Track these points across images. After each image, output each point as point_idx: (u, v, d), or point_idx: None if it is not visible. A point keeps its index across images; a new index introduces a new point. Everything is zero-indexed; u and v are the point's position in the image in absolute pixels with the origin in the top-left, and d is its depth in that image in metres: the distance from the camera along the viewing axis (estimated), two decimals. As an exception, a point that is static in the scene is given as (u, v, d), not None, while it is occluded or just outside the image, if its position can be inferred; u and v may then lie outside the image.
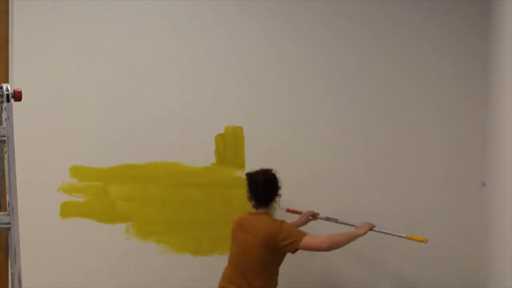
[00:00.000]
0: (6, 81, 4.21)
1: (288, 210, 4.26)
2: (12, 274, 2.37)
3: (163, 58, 4.41)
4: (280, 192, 3.88)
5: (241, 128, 4.44)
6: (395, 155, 4.47)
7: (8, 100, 2.50)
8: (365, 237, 4.40)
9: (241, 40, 4.45)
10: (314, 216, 4.20)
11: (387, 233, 3.85)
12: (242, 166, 4.41)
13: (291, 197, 4.40)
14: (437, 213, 4.46)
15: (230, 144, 4.43)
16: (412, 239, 3.73)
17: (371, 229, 3.83)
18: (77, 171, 4.35)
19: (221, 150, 4.43)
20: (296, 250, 3.71)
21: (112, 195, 4.37)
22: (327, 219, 4.14)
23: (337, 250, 4.32)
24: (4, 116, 2.50)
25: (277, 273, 3.82)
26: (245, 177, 3.95)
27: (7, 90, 2.51)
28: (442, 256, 4.45)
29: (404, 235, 3.77)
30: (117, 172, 4.38)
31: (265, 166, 4.36)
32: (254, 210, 3.85)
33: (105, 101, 4.38)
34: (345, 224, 4.01)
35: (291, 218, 4.16)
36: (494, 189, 4.09)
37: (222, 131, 4.43)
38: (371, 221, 4.42)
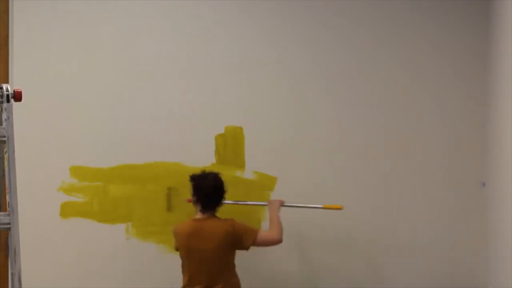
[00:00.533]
0: (6, 81, 4.21)
1: (188, 200, 4.08)
2: (12, 274, 2.37)
3: (163, 58, 4.41)
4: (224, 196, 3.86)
5: (241, 128, 4.44)
6: (395, 155, 4.47)
7: (8, 100, 2.50)
8: (362, 235, 4.43)
9: (241, 40, 4.45)
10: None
11: (300, 206, 4.00)
12: (242, 166, 4.41)
13: (291, 197, 4.39)
14: (437, 213, 4.46)
15: (230, 144, 4.43)
16: (328, 208, 3.91)
17: (282, 205, 3.99)
18: (77, 171, 4.35)
19: (221, 150, 4.42)
20: (251, 245, 3.78)
21: (112, 195, 4.37)
22: (235, 202, 4.13)
23: (331, 250, 4.35)
24: (4, 116, 2.50)
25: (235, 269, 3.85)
26: (189, 179, 3.88)
27: (7, 90, 2.51)
28: (442, 256, 4.44)
29: (320, 206, 3.95)
30: (117, 172, 4.38)
31: (266, 166, 4.40)
32: (200, 215, 3.80)
33: (105, 101, 4.38)
34: (253, 204, 4.17)
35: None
36: (494, 189, 4.09)
37: (222, 131, 4.43)
38: (372, 221, 4.45)
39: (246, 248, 3.78)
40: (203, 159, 4.38)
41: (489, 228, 4.22)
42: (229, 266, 3.78)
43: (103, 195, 4.37)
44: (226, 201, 3.98)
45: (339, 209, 3.90)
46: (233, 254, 3.80)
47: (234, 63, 4.45)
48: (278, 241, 3.83)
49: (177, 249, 3.88)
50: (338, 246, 4.46)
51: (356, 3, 4.46)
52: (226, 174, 4.18)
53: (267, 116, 4.45)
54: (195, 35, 4.44)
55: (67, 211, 4.34)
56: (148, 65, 4.40)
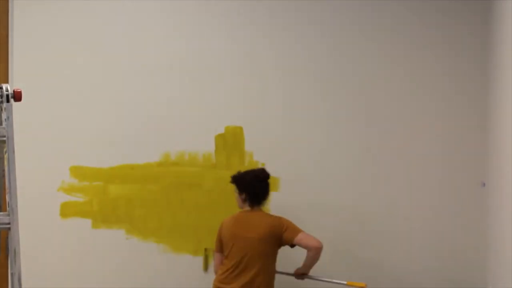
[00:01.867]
0: (6, 81, 4.21)
1: None
2: (12, 274, 2.37)
3: (163, 58, 4.42)
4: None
5: (241, 128, 4.44)
6: (395, 155, 4.47)
7: (8, 100, 2.50)
8: (362, 235, 4.43)
9: (241, 41, 4.45)
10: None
11: (326, 281, 4.06)
12: (242, 166, 4.41)
13: (291, 197, 4.40)
14: (437, 213, 4.45)
15: (230, 144, 4.43)
16: (352, 285, 3.94)
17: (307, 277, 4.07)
18: (77, 171, 4.35)
19: (221, 150, 4.42)
20: (294, 243, 3.87)
21: (112, 195, 4.37)
22: (316, 278, 4.13)
23: (330, 250, 4.35)
24: (4, 116, 2.50)
25: (275, 266, 3.94)
26: (231, 180, 3.98)
27: (7, 90, 2.51)
28: (442, 256, 4.44)
29: (344, 282, 3.98)
30: (117, 172, 4.38)
31: (266, 166, 4.39)
32: (248, 208, 3.95)
33: (105, 101, 4.39)
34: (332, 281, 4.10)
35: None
36: (494, 189, 4.08)
37: (222, 131, 4.43)
38: (371, 221, 4.45)
39: (289, 243, 3.88)
40: (203, 159, 4.38)
41: (489, 228, 4.22)
42: (269, 257, 3.87)
43: (103, 195, 4.37)
44: (309, 276, 4.07)
45: (363, 287, 3.92)
46: (275, 248, 3.90)
47: (234, 63, 4.45)
48: (320, 247, 3.88)
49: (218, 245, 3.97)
50: (337, 245, 4.46)
51: (355, 4, 4.46)
52: (226, 175, 4.19)
53: (267, 116, 4.45)
54: (195, 35, 4.44)
55: (67, 211, 4.35)
56: (148, 65, 4.41)
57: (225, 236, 3.92)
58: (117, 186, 4.37)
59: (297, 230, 3.89)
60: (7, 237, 2.41)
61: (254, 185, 3.94)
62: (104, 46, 4.39)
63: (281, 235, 3.86)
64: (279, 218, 3.91)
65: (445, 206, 4.45)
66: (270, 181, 4.03)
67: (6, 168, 2.45)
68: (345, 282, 3.97)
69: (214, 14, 4.44)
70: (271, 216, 3.96)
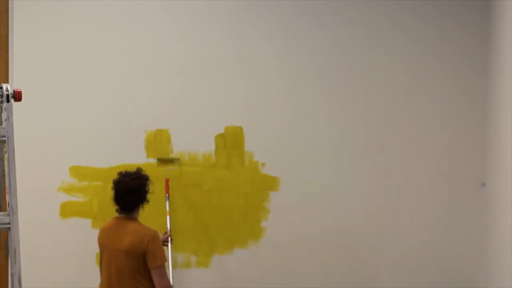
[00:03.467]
0: (6, 81, 4.21)
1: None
2: (12, 274, 2.37)
3: (163, 58, 4.41)
4: (148, 197, 3.52)
5: (241, 128, 4.44)
6: (395, 155, 4.47)
7: (8, 100, 2.50)
8: (362, 235, 4.43)
9: (241, 41, 4.45)
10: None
11: None
12: (242, 166, 4.41)
13: (291, 197, 4.40)
14: (437, 213, 4.46)
15: (230, 144, 4.43)
16: None
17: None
18: (77, 171, 4.35)
19: (221, 150, 4.42)
20: (152, 269, 3.33)
21: (112, 195, 4.36)
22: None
23: (330, 250, 4.35)
24: (4, 116, 2.50)
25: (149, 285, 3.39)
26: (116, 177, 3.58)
27: (7, 90, 2.51)
28: (442, 256, 4.45)
29: None
30: (117, 172, 4.37)
31: (266, 166, 4.40)
32: (117, 215, 3.53)
33: (105, 101, 4.38)
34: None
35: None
36: (494, 189, 4.09)
37: (222, 131, 4.43)
38: (371, 220, 4.45)
39: (147, 267, 3.34)
40: (203, 158, 4.38)
41: (489, 228, 4.22)
42: (131, 277, 3.35)
43: (103, 195, 4.37)
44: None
45: None
46: (142, 266, 3.36)
47: (234, 64, 4.45)
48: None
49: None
50: (336, 245, 4.46)
51: (354, 5, 4.46)
52: (226, 174, 4.19)
53: (267, 116, 4.45)
54: (195, 36, 4.44)
55: (67, 211, 4.35)
56: (148, 65, 4.41)
57: (99, 244, 3.52)
58: (117, 186, 4.37)
59: (162, 260, 3.35)
60: (7, 237, 2.41)
61: (120, 193, 3.46)
62: (104, 46, 4.39)
63: (144, 255, 3.32)
64: (153, 237, 3.36)
65: (445, 206, 4.45)
66: (147, 189, 3.52)
67: (6, 168, 2.45)
68: None
69: (214, 15, 4.44)
70: (145, 230, 3.40)
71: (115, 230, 3.45)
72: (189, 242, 4.40)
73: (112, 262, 3.38)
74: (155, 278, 3.33)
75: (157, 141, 4.41)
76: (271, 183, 4.40)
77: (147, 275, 3.36)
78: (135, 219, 3.49)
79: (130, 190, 3.47)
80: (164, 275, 3.38)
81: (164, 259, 3.38)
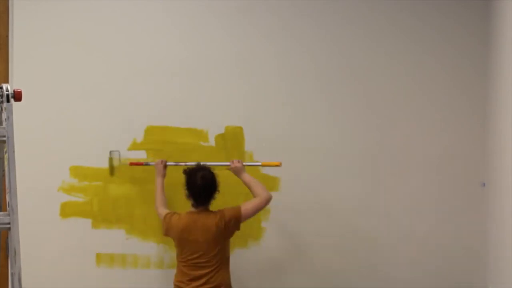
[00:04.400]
0: (6, 81, 4.21)
1: (131, 164, 4.28)
2: (12, 274, 2.37)
3: (163, 58, 4.41)
4: (218, 189, 3.91)
5: (241, 128, 4.44)
6: (395, 155, 4.47)
7: (8, 100, 2.50)
8: (361, 235, 4.43)
9: (241, 40, 4.45)
10: (163, 163, 4.21)
11: (253, 165, 4.19)
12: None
13: (291, 197, 4.40)
14: (437, 213, 4.46)
15: (230, 144, 4.43)
16: (267, 165, 4.11)
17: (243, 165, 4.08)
18: (77, 171, 4.35)
19: (221, 150, 4.42)
20: (240, 223, 3.85)
21: (112, 195, 4.37)
22: (176, 164, 4.20)
23: (330, 249, 4.35)
24: (4, 116, 2.50)
25: (229, 259, 3.93)
26: (183, 172, 3.95)
27: (7, 90, 2.51)
28: (442, 256, 4.45)
29: (259, 163, 4.16)
30: (117, 172, 4.38)
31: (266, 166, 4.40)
32: (193, 209, 3.90)
33: (105, 101, 4.38)
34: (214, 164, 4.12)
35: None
36: (494, 189, 4.08)
37: (222, 131, 4.43)
38: (371, 220, 4.45)
39: (237, 228, 3.87)
40: (203, 159, 4.37)
41: (488, 228, 4.22)
42: (223, 257, 3.85)
43: (103, 195, 4.37)
44: (168, 163, 4.18)
45: (278, 165, 4.09)
46: (226, 247, 3.88)
47: (234, 63, 4.45)
48: (267, 199, 3.92)
49: (165, 235, 3.97)
50: (337, 245, 4.46)
51: (354, 5, 4.46)
52: (226, 174, 4.18)
53: (267, 116, 4.45)
54: (195, 36, 4.44)
55: (67, 211, 4.34)
56: (148, 65, 4.41)
57: (174, 239, 3.93)
58: (117, 186, 4.37)
59: (237, 211, 3.86)
60: (7, 237, 2.42)
61: (196, 187, 3.87)
62: (104, 46, 4.39)
63: (230, 228, 3.85)
64: (221, 215, 3.84)
65: (445, 206, 4.45)
66: (218, 183, 3.92)
67: (6, 168, 2.45)
68: (260, 163, 4.15)
69: (214, 15, 4.44)
70: (215, 214, 3.86)
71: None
72: (189, 242, 4.40)
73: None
74: (250, 204, 3.89)
75: (157, 141, 4.42)
76: (271, 183, 4.40)
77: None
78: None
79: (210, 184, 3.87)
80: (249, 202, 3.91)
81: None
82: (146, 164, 4.28)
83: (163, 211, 4.02)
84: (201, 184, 3.84)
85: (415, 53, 4.48)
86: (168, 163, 4.21)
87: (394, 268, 4.46)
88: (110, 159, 4.35)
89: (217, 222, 3.79)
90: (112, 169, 4.36)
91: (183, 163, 4.18)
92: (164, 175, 4.18)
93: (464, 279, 4.41)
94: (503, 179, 3.75)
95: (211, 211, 3.89)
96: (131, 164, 4.29)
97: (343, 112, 4.48)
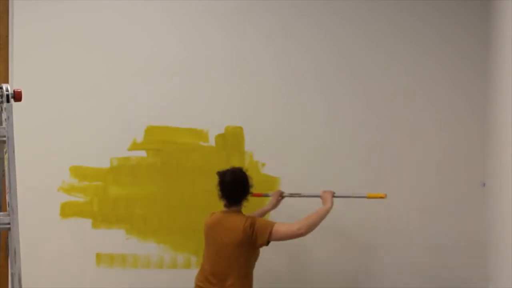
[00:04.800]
0: (6, 81, 4.21)
1: (253, 195, 4.13)
2: (12, 274, 2.36)
3: (163, 58, 4.42)
4: (251, 190, 3.79)
5: (241, 128, 4.44)
6: (395, 155, 4.47)
7: (8, 100, 2.50)
8: (362, 235, 4.43)
9: (241, 41, 4.45)
10: (281, 195, 4.15)
11: (348, 196, 3.94)
12: (242, 166, 4.41)
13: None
14: (437, 213, 4.46)
15: (230, 144, 4.43)
16: (373, 197, 3.86)
17: (333, 196, 3.85)
18: (77, 171, 4.35)
19: (221, 150, 4.42)
20: (269, 241, 3.64)
21: (112, 195, 4.37)
22: (291, 195, 4.13)
23: (330, 249, 4.34)
24: (4, 116, 2.50)
25: (252, 270, 3.74)
26: (217, 175, 3.83)
27: (7, 90, 2.51)
28: (442, 255, 4.45)
29: (364, 195, 3.89)
30: (117, 172, 4.38)
31: (266, 166, 4.40)
32: (226, 209, 3.77)
33: (105, 101, 4.38)
34: (309, 196, 4.04)
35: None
36: (494, 189, 4.08)
37: (222, 131, 4.43)
38: (371, 220, 4.45)
39: (264, 244, 3.65)
40: (203, 159, 4.38)
41: (489, 228, 4.22)
42: (239, 267, 3.66)
43: (103, 195, 4.37)
44: (284, 194, 4.09)
45: (382, 197, 3.82)
46: (250, 254, 3.69)
47: (234, 63, 4.45)
48: (302, 234, 3.65)
49: None
50: (337, 245, 4.46)
51: (354, 5, 4.46)
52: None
53: (267, 116, 4.45)
54: (195, 36, 4.44)
55: (67, 211, 4.35)
56: (148, 65, 4.41)
57: (205, 233, 3.81)
58: (117, 186, 4.37)
59: (268, 227, 3.62)
60: (7, 237, 2.41)
61: (227, 186, 3.75)
62: (104, 46, 4.39)
63: (255, 239, 3.63)
64: (252, 221, 3.64)
65: (445, 206, 4.45)
66: (251, 183, 3.82)
67: (6, 168, 2.45)
68: (365, 195, 3.88)
69: (214, 15, 4.44)
70: (245, 219, 3.66)
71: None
72: (189, 242, 4.40)
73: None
74: (284, 226, 3.66)
75: (157, 141, 4.42)
76: (271, 183, 4.40)
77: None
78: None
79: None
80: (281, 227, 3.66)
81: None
82: (266, 196, 4.16)
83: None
84: (230, 180, 3.73)
85: (415, 53, 4.48)
86: (284, 195, 4.12)
87: (394, 268, 4.46)
88: None
89: (245, 226, 3.61)
90: None
91: (297, 195, 4.10)
92: (274, 206, 4.12)
93: (464, 279, 4.41)
94: (503, 179, 3.75)
95: (243, 214, 3.73)
96: (255, 195, 4.02)
97: (343, 112, 4.48)
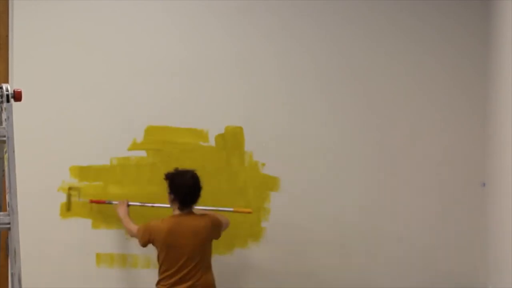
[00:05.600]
0: (6, 81, 4.21)
1: (91, 201, 4.26)
2: (12, 274, 2.37)
3: (163, 58, 4.41)
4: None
5: (241, 128, 4.44)
6: (395, 155, 4.47)
7: (8, 100, 2.50)
8: (361, 235, 4.43)
9: (241, 40, 4.45)
10: (126, 203, 4.21)
11: (225, 210, 4.11)
12: (242, 166, 4.41)
13: (290, 197, 4.40)
14: (437, 213, 4.46)
15: (230, 144, 4.43)
16: (238, 211, 4.08)
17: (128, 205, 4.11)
18: (77, 171, 4.35)
19: (221, 150, 4.42)
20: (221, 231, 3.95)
21: (112, 195, 4.37)
22: (142, 204, 4.19)
23: (329, 249, 4.34)
24: (4, 116, 2.50)
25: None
26: (165, 178, 3.88)
27: (7, 90, 2.51)
28: (442, 256, 4.44)
29: (230, 209, 4.09)
30: (117, 172, 4.38)
31: (266, 166, 4.40)
32: (178, 212, 3.83)
33: (105, 101, 4.38)
34: (156, 206, 4.13)
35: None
36: (494, 189, 4.08)
37: (222, 131, 4.43)
38: (371, 220, 4.45)
39: (218, 237, 3.93)
40: (203, 159, 4.38)
41: (489, 228, 4.22)
42: (208, 262, 3.84)
43: (103, 195, 4.37)
44: (131, 203, 4.15)
45: (249, 212, 4.10)
46: (211, 248, 3.89)
47: (234, 63, 4.45)
48: (228, 223, 4.05)
49: (143, 245, 3.89)
50: (336, 244, 4.46)
51: (354, 5, 4.46)
52: (226, 175, 4.19)
53: (267, 116, 4.45)
54: (195, 36, 4.44)
55: (67, 211, 4.34)
56: (148, 65, 4.41)
57: (159, 243, 3.83)
58: (117, 186, 4.37)
59: (225, 220, 3.98)
60: (7, 237, 2.42)
61: (187, 189, 3.83)
62: (104, 46, 4.39)
63: (216, 233, 3.91)
64: (210, 219, 3.87)
65: (445, 206, 4.45)
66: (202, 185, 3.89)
67: (6, 168, 2.45)
68: (231, 209, 4.10)
69: (214, 15, 4.44)
70: (202, 217, 3.85)
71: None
72: (189, 242, 4.39)
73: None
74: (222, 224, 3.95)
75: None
76: (271, 183, 4.40)
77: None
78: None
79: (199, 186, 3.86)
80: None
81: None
82: (109, 203, 4.24)
83: (133, 226, 3.97)
84: (192, 184, 3.80)
85: (415, 53, 4.48)
86: (130, 203, 4.19)
87: (394, 268, 4.46)
88: (69, 195, 4.33)
89: (207, 225, 3.79)
90: (69, 205, 4.33)
91: (149, 204, 4.17)
92: (127, 214, 4.14)
93: (464, 279, 4.41)
94: (503, 179, 3.75)
95: (198, 214, 3.86)
96: (92, 201, 4.26)
97: (343, 112, 4.48)
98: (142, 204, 4.20)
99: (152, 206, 4.16)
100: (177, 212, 3.84)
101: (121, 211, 4.12)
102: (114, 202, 4.23)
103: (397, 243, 4.46)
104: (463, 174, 4.45)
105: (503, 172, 3.75)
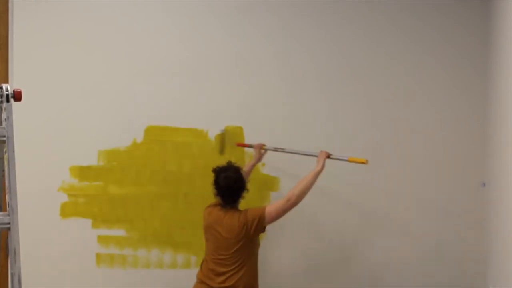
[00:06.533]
0: (6, 81, 4.21)
1: (238, 144, 4.33)
2: (12, 274, 2.36)
3: (163, 58, 4.41)
4: (247, 187, 3.83)
5: (241, 128, 4.44)
6: (395, 155, 4.47)
7: (8, 100, 2.50)
8: (362, 235, 4.43)
9: (241, 41, 4.45)
10: (263, 147, 4.25)
11: (339, 159, 3.89)
12: (242, 166, 4.41)
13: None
14: (437, 213, 4.46)
15: (230, 144, 4.43)
16: (353, 161, 3.83)
17: (328, 157, 3.87)
18: (77, 171, 4.35)
19: (221, 150, 4.42)
20: (265, 227, 3.74)
21: (112, 195, 4.37)
22: (275, 149, 4.21)
23: (329, 249, 4.34)
24: (4, 116, 2.49)
25: (255, 260, 3.81)
26: (212, 172, 3.87)
27: (7, 90, 2.51)
28: (442, 256, 4.45)
29: (345, 158, 3.85)
30: (117, 172, 4.38)
31: (266, 166, 4.40)
32: (222, 205, 3.84)
33: (105, 101, 4.38)
34: (294, 153, 4.12)
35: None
36: (494, 189, 4.09)
37: (222, 131, 4.43)
38: (372, 220, 4.46)
39: (262, 231, 3.76)
40: (203, 159, 4.38)
41: (489, 228, 4.22)
42: (244, 256, 3.73)
43: (103, 195, 4.37)
44: (266, 147, 4.18)
45: (364, 163, 3.80)
46: (248, 244, 3.75)
47: (234, 63, 4.45)
48: (289, 205, 3.74)
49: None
50: (337, 244, 4.46)
51: (354, 5, 4.47)
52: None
53: (267, 116, 4.45)
54: (195, 36, 4.44)
55: (67, 211, 4.34)
56: (148, 65, 4.41)
57: (205, 227, 3.88)
58: (117, 186, 4.37)
59: (260, 213, 3.72)
60: (7, 237, 2.41)
61: (223, 186, 3.80)
62: (104, 46, 4.39)
63: (252, 229, 3.71)
64: (245, 215, 3.73)
65: (445, 206, 4.46)
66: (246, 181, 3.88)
67: (6, 168, 2.45)
68: (346, 158, 3.85)
69: (214, 15, 4.44)
70: (239, 215, 3.75)
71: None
72: (189, 242, 4.40)
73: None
74: (273, 206, 3.76)
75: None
76: (271, 183, 4.40)
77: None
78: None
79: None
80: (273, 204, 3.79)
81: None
82: (250, 146, 4.31)
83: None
84: (224, 186, 3.78)
85: (415, 53, 4.48)
86: (266, 148, 4.23)
87: (394, 268, 4.46)
88: (222, 136, 4.35)
89: (239, 222, 3.71)
90: (223, 147, 4.38)
91: (281, 150, 4.18)
92: (258, 159, 4.23)
93: (464, 279, 4.41)
94: (503, 179, 3.75)
95: (237, 210, 3.81)
96: (238, 145, 4.34)
97: (343, 112, 4.48)
98: (275, 149, 4.21)
99: (283, 151, 4.17)
100: (221, 204, 3.85)
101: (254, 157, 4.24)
102: (253, 144, 4.28)
103: (396, 243, 4.46)
104: (463, 174, 4.45)
105: (503, 172, 3.75)
